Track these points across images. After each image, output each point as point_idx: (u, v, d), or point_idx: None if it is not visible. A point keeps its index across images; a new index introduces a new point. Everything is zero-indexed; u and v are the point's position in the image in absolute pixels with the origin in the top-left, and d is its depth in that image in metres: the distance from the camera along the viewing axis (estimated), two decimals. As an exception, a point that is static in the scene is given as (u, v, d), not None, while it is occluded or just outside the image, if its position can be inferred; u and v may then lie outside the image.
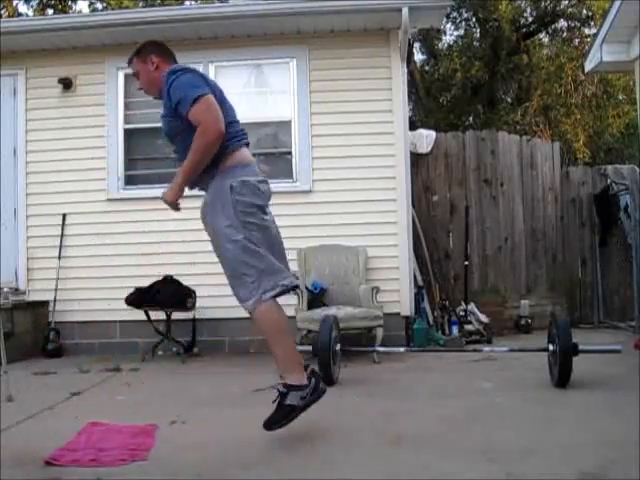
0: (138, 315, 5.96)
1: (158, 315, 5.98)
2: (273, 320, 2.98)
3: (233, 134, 3.04)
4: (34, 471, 2.66)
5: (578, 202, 8.80)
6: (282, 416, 2.89)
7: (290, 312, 5.84)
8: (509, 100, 14.96)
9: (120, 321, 6.37)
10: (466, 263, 7.45)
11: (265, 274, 2.95)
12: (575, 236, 8.73)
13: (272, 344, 2.99)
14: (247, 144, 3.15)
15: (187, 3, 14.84)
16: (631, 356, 5.15)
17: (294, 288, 3.24)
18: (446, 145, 7.85)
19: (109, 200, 6.60)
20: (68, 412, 3.82)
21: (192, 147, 2.90)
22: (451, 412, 3.54)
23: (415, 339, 6.28)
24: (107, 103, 6.64)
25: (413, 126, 8.78)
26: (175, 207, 3.15)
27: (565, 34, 14.43)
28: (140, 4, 13.87)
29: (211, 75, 6.56)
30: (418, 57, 15.57)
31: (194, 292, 5.99)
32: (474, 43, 14.49)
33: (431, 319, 6.90)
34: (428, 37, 14.48)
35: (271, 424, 2.89)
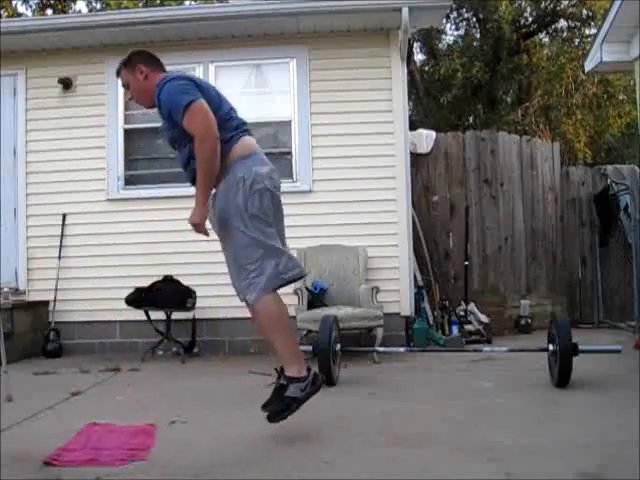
0: (138, 315, 5.97)
1: (158, 315, 5.98)
2: (274, 312, 3.01)
3: (233, 127, 3.05)
4: (34, 471, 2.66)
5: (578, 202, 8.80)
6: (284, 408, 2.92)
7: (290, 312, 5.85)
8: (509, 100, 14.95)
9: (120, 321, 6.37)
10: (466, 263, 7.45)
11: (270, 266, 2.96)
12: (575, 236, 8.73)
13: (272, 336, 3.01)
14: (249, 133, 3.15)
15: (187, 3, 14.84)
16: (631, 356, 5.15)
17: (301, 277, 3.24)
18: (446, 145, 7.85)
19: (109, 200, 6.59)
20: (68, 412, 3.82)
21: (197, 160, 2.91)
22: (451, 412, 3.54)
23: (415, 339, 6.28)
24: (107, 103, 6.64)
25: (413, 126, 8.77)
26: (205, 232, 3.08)
27: (565, 34, 14.43)
28: (140, 4, 13.86)
29: (211, 75, 6.58)
30: (418, 57, 15.60)
31: (194, 292, 5.99)
32: (474, 43, 14.47)
33: (431, 319, 6.89)
34: (428, 37, 14.48)
35: (274, 416, 2.93)
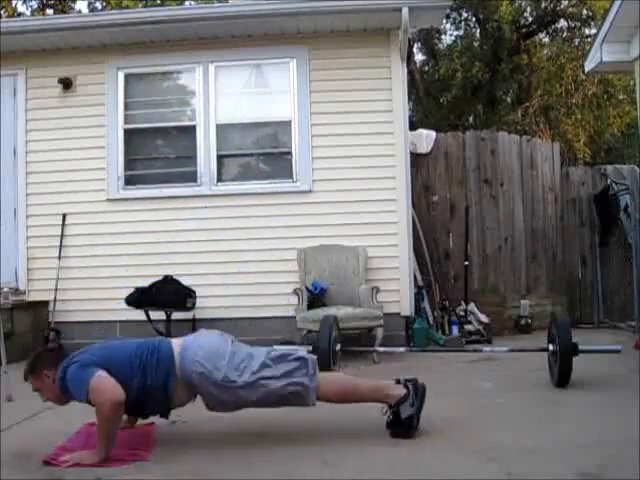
0: (138, 315, 5.97)
1: (158, 315, 5.98)
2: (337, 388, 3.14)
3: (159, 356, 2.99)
4: (34, 470, 2.67)
5: (578, 202, 8.80)
6: (408, 428, 3.03)
7: (290, 312, 5.86)
8: (509, 100, 14.94)
9: (120, 321, 6.37)
10: (466, 263, 7.44)
11: None
12: (575, 236, 8.73)
13: (351, 401, 3.14)
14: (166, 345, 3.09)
15: (187, 3, 14.84)
16: (631, 356, 5.15)
17: None
18: (446, 145, 7.85)
19: (109, 200, 6.59)
20: (68, 412, 3.81)
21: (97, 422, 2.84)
22: (451, 412, 3.54)
23: (415, 339, 6.28)
24: (107, 103, 6.64)
25: (413, 126, 8.78)
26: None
27: (565, 34, 14.43)
28: (140, 4, 13.86)
29: (211, 75, 6.58)
30: (418, 57, 15.60)
31: (194, 292, 5.98)
32: (474, 43, 14.48)
33: (431, 319, 6.90)
34: (428, 37, 14.49)
35: (402, 437, 3.01)
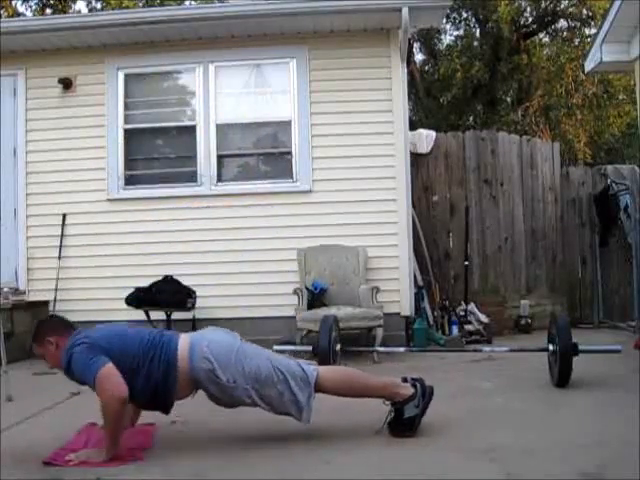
0: (138, 315, 5.96)
1: (158, 315, 5.98)
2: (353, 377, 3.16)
3: (163, 349, 2.98)
4: (34, 471, 2.66)
5: (578, 202, 8.80)
6: (408, 427, 3.01)
7: (290, 312, 5.86)
8: (509, 100, 14.95)
9: (120, 321, 6.34)
10: (466, 263, 7.45)
11: None
12: (575, 236, 8.73)
13: (358, 394, 3.12)
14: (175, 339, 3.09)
15: (187, 3, 14.83)
16: (631, 356, 5.14)
17: None
18: (446, 145, 7.85)
19: (109, 200, 6.59)
20: (68, 412, 3.82)
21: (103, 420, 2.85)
22: (451, 412, 3.54)
23: (415, 339, 6.28)
24: (107, 103, 6.64)
25: (413, 126, 8.77)
26: None
27: (565, 34, 14.42)
28: (140, 4, 13.86)
29: (211, 75, 6.59)
30: (418, 57, 15.60)
31: (194, 292, 5.98)
32: (474, 43, 14.49)
33: (431, 319, 6.90)
34: (428, 37, 14.49)
35: (399, 435, 3.00)
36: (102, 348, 2.90)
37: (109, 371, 2.83)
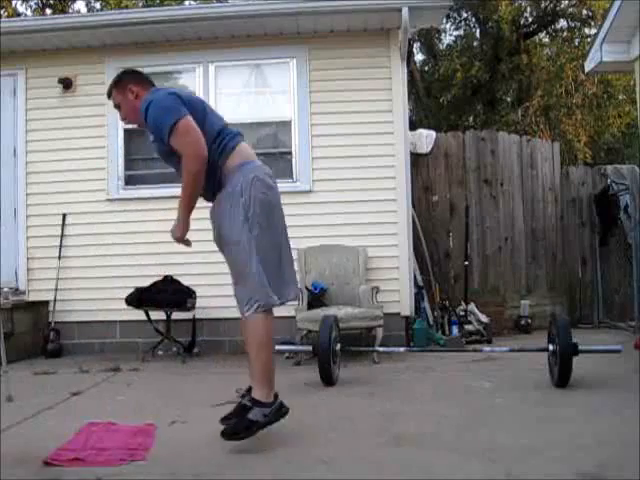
0: (138, 315, 5.96)
1: (158, 315, 5.98)
2: (260, 333, 2.99)
3: (226, 139, 3.02)
4: (34, 471, 2.66)
5: (578, 202, 8.81)
6: (242, 429, 2.87)
7: (290, 312, 5.86)
8: (509, 100, 14.95)
9: (120, 321, 6.37)
10: (466, 263, 7.45)
11: (263, 285, 2.94)
12: (575, 236, 8.73)
13: (255, 355, 3.01)
14: (242, 140, 3.12)
15: (187, 3, 14.83)
16: (631, 356, 5.14)
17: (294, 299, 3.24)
18: (446, 145, 7.85)
19: (109, 200, 6.59)
20: (68, 412, 3.82)
21: (183, 179, 2.90)
22: (451, 412, 3.54)
23: (415, 339, 6.28)
24: (107, 103, 6.55)
25: (413, 126, 8.78)
26: (186, 243, 3.18)
27: (565, 34, 14.42)
28: (140, 4, 13.86)
29: (211, 75, 6.58)
30: (418, 57, 15.61)
31: (194, 292, 5.98)
32: (474, 43, 14.49)
33: (431, 319, 6.89)
34: (428, 37, 14.49)
35: (230, 434, 2.87)
36: (184, 103, 2.90)
37: (193, 124, 2.82)
